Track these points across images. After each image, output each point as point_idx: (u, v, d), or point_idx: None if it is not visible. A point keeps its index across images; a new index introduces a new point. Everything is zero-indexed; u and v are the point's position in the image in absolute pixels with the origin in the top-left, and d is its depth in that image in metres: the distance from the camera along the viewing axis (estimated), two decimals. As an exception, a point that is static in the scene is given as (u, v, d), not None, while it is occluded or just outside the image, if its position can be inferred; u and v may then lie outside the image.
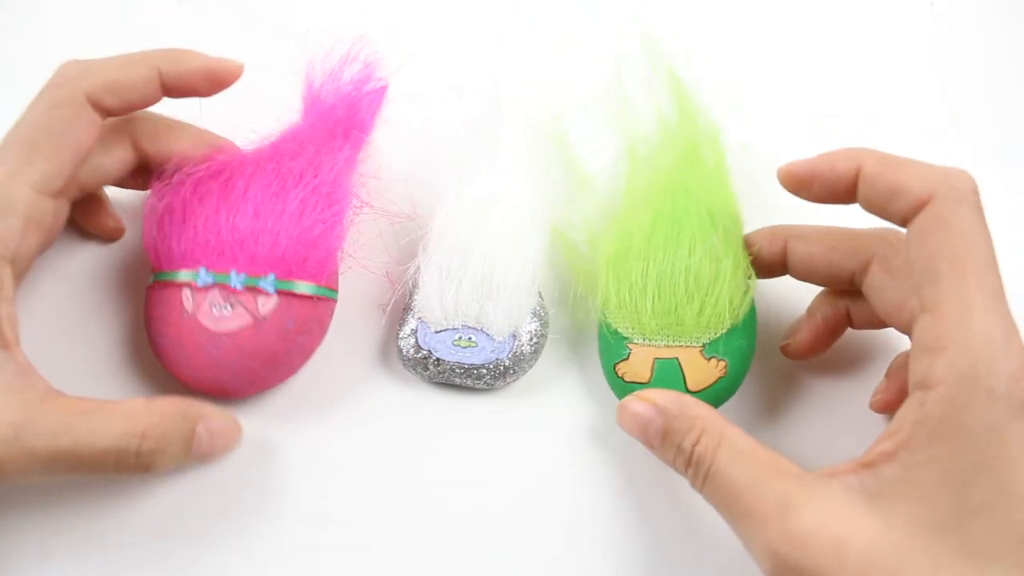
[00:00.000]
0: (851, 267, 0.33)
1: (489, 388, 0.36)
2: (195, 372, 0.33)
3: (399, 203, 0.39)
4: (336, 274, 0.36)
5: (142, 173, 0.36)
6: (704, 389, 0.33)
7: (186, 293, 0.33)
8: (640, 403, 0.31)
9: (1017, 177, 0.43)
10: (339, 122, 0.37)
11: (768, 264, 0.35)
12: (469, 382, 0.35)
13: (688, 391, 0.33)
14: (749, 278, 0.34)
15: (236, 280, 0.33)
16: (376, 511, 0.34)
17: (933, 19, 0.48)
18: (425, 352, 0.35)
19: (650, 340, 0.34)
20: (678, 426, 0.30)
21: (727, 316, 0.33)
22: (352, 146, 0.37)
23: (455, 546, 0.33)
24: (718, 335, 0.33)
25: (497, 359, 0.35)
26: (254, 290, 0.33)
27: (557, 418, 0.36)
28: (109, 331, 0.37)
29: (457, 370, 0.35)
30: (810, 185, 0.31)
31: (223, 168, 0.35)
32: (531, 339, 0.35)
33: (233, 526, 0.33)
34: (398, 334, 0.36)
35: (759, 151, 0.38)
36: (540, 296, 0.37)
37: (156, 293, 0.34)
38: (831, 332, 0.35)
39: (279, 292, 0.33)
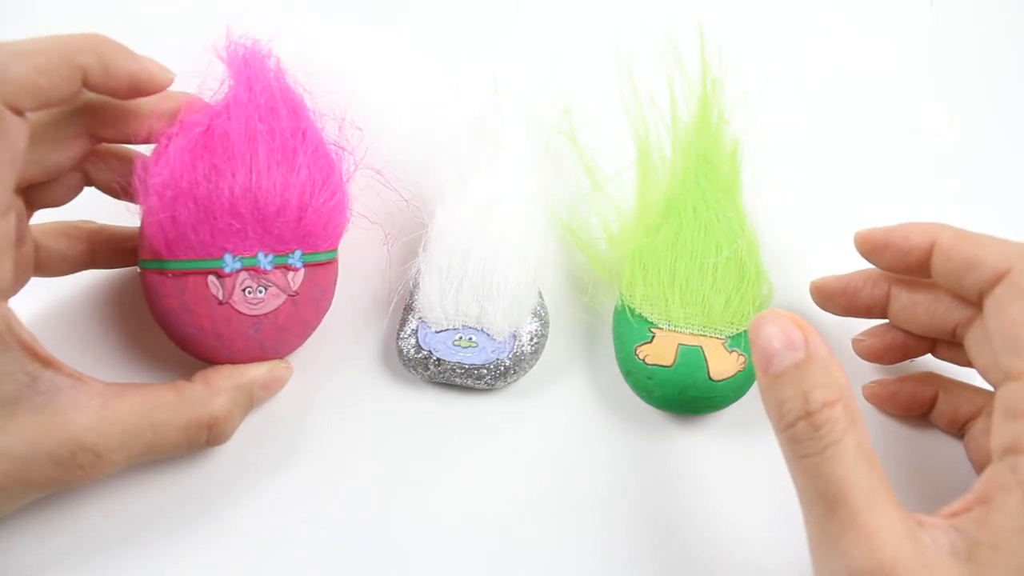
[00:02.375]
0: (955, 319, 0.32)
1: (489, 388, 0.36)
2: (236, 356, 0.33)
3: (399, 202, 0.39)
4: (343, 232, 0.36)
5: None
6: (725, 379, 0.33)
7: (212, 280, 0.33)
8: (793, 328, 0.26)
9: (1017, 177, 0.43)
10: (272, 82, 0.35)
11: (868, 306, 0.35)
12: (469, 382, 0.35)
13: (711, 379, 0.33)
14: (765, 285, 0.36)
15: (265, 261, 0.33)
16: (376, 511, 0.34)
17: (933, 19, 0.48)
18: (426, 352, 0.35)
19: (676, 327, 0.35)
20: (816, 373, 0.26)
21: (751, 313, 0.35)
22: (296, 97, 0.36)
23: (455, 545, 0.33)
24: (740, 331, 0.34)
25: (497, 359, 0.35)
26: (283, 267, 0.34)
27: (557, 418, 0.36)
28: (93, 324, 0.37)
29: (458, 370, 0.35)
30: (882, 253, 0.32)
31: (209, 133, 0.32)
32: (531, 339, 0.35)
33: (233, 526, 0.33)
34: (398, 334, 0.36)
35: (761, 155, 0.38)
36: (540, 296, 0.37)
37: (171, 282, 0.32)
38: (908, 350, 0.35)
39: (305, 265, 0.34)
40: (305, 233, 0.34)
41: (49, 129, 0.31)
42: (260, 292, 0.33)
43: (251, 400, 0.34)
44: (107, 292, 0.38)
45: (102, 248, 0.35)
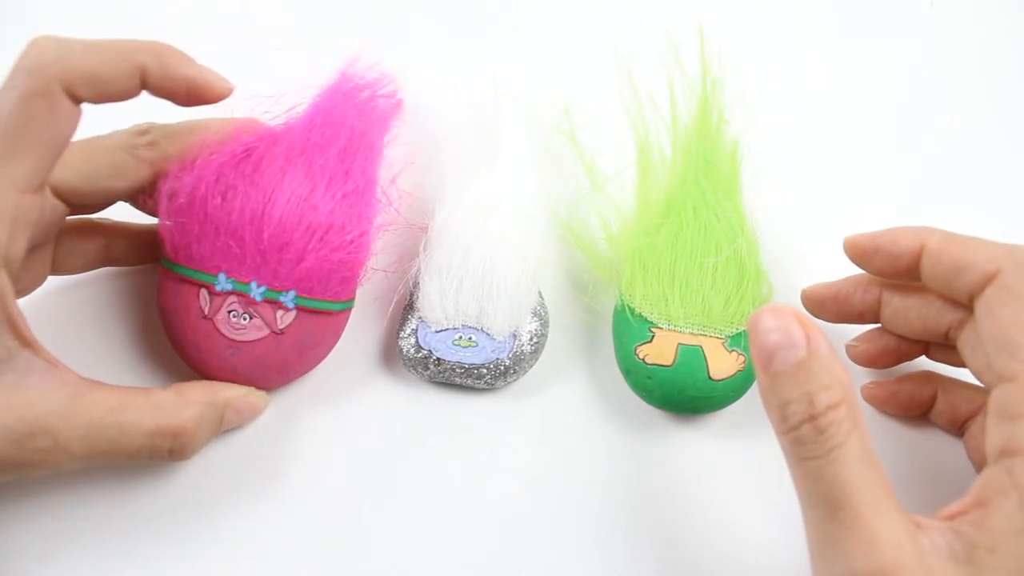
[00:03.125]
0: (947, 322, 0.32)
1: (489, 388, 0.36)
2: (209, 371, 0.33)
3: (399, 203, 0.39)
4: (356, 286, 0.35)
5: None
6: (725, 379, 0.34)
7: (203, 294, 0.33)
8: (795, 324, 0.25)
9: (1018, 177, 0.43)
10: (354, 117, 0.36)
11: (860, 312, 0.35)
12: (469, 382, 0.35)
13: (710, 379, 0.33)
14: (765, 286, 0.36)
15: (256, 292, 0.33)
16: (376, 510, 0.34)
17: (933, 19, 0.48)
18: (425, 352, 0.35)
19: (676, 326, 0.34)
20: (820, 374, 0.25)
21: (751, 313, 0.34)
22: (378, 136, 0.36)
23: (455, 545, 0.33)
24: (740, 331, 0.34)
25: (497, 359, 0.35)
26: (274, 303, 0.33)
27: (557, 418, 0.36)
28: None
29: (457, 370, 0.35)
30: (872, 258, 0.32)
31: (248, 155, 0.33)
32: (531, 339, 0.35)
33: (233, 526, 0.33)
34: (398, 334, 0.36)
35: (761, 155, 0.38)
36: (540, 296, 0.37)
37: (171, 284, 0.33)
38: (901, 354, 0.35)
39: (298, 308, 0.33)
40: (303, 276, 0.33)
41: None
42: (244, 319, 0.33)
43: (221, 420, 0.33)
44: (122, 291, 0.38)
45: (118, 245, 0.35)
